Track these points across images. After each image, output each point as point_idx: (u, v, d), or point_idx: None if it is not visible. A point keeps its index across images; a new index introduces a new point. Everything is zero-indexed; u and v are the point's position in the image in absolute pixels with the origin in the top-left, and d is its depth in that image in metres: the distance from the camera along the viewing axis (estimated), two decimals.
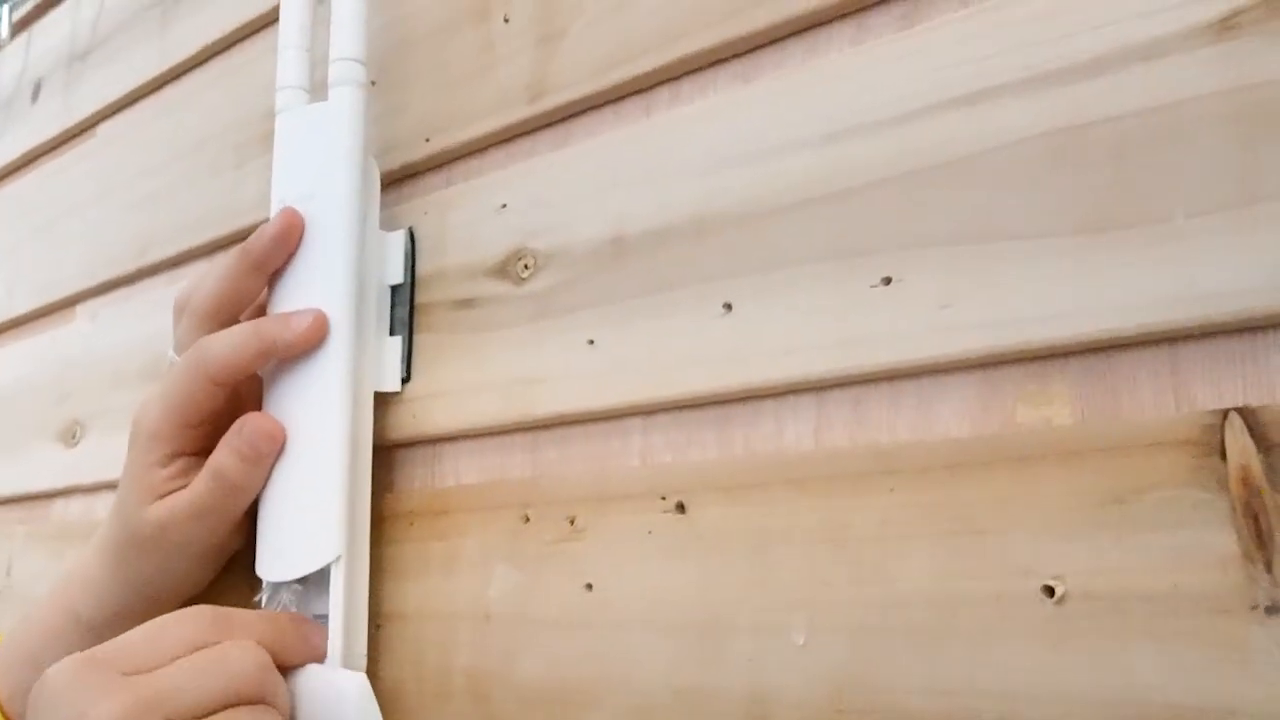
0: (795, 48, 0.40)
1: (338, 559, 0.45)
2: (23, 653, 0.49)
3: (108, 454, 0.66)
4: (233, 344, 0.45)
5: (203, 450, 0.47)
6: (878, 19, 0.37)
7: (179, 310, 0.49)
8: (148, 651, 0.38)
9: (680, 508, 0.39)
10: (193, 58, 0.68)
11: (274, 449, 0.45)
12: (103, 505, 0.67)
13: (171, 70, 0.69)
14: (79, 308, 0.75)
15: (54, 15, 0.84)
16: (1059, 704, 0.30)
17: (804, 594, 0.35)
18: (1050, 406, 0.32)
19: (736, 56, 0.41)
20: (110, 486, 0.66)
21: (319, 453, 0.46)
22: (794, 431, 0.37)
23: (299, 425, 0.46)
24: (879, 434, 0.35)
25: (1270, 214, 0.28)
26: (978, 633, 0.31)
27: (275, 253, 0.47)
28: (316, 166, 0.49)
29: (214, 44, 0.66)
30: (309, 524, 0.46)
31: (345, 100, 0.48)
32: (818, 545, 0.35)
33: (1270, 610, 0.27)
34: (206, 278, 0.48)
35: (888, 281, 0.35)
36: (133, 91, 0.73)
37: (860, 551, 0.34)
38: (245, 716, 0.38)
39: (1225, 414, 0.28)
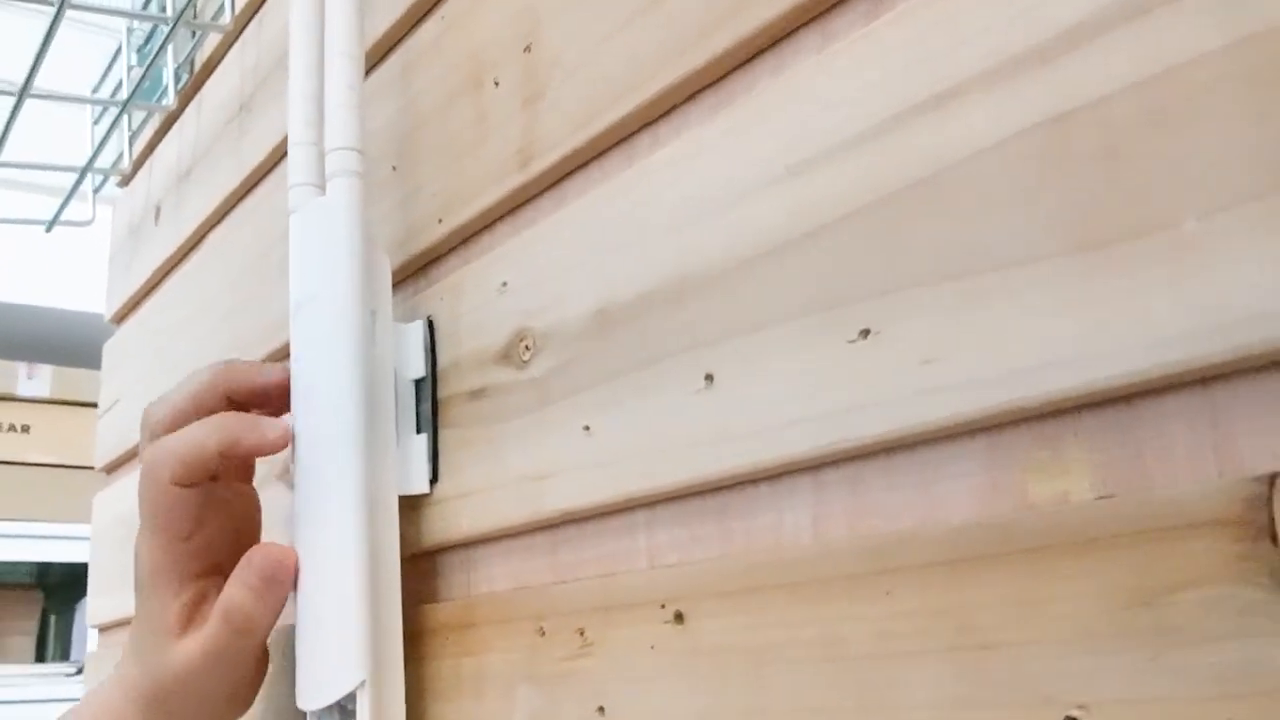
0: (763, 67, 0.34)
1: (362, 684, 0.42)
2: None
3: None
4: (187, 441, 0.42)
5: (206, 569, 0.44)
6: (841, 20, 0.31)
7: (142, 424, 0.46)
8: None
9: (679, 618, 0.33)
10: (262, 165, 0.68)
11: (287, 578, 0.42)
12: None
13: (247, 180, 0.70)
14: None
15: (167, 140, 0.87)
16: None
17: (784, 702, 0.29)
18: (1066, 477, 0.25)
19: (709, 86, 0.36)
20: None
21: (339, 570, 0.43)
22: (792, 521, 0.31)
23: (317, 541, 0.44)
24: (878, 520, 0.29)
25: None
26: None
27: (253, 399, 0.45)
28: (320, 264, 0.46)
29: (277, 148, 0.66)
30: (334, 647, 0.42)
31: (340, 193, 0.46)
32: (816, 664, 0.29)
33: None
34: (173, 392, 0.45)
35: (865, 334, 0.28)
36: (222, 205, 0.73)
37: (859, 672, 0.27)
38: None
39: (1272, 480, 0.21)
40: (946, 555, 0.26)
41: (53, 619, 2.56)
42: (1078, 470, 0.24)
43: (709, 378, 0.33)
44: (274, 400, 0.45)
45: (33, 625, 2.35)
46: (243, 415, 0.43)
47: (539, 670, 0.38)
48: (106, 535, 0.91)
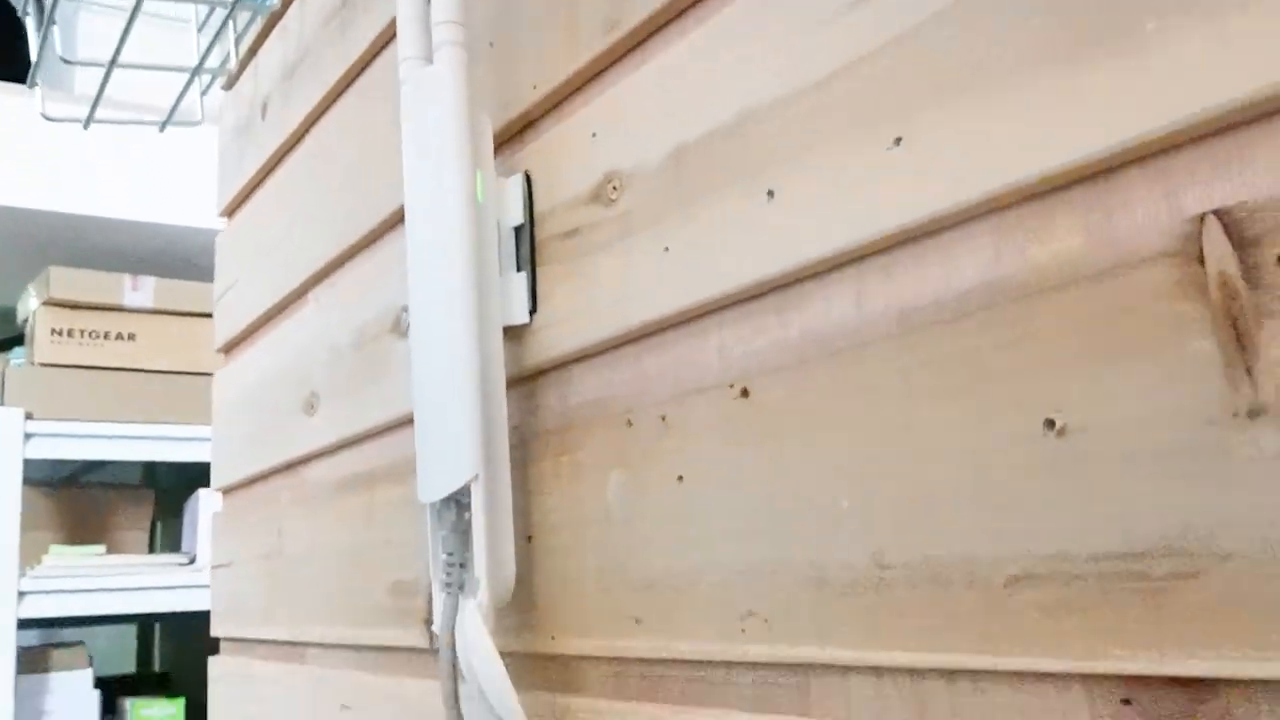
0: None
1: (476, 477, 0.49)
2: None
3: (336, 418, 0.75)
4: None
5: None
6: None
7: None
8: None
9: (745, 393, 0.40)
10: (363, 56, 0.74)
11: None
12: (338, 466, 0.76)
13: (349, 71, 0.76)
14: (309, 294, 0.84)
15: (272, 39, 0.94)
16: (1061, 536, 0.29)
17: (846, 462, 0.35)
18: (1057, 241, 0.31)
19: None
20: (341, 446, 0.75)
21: (454, 384, 0.50)
22: (839, 305, 0.37)
23: (434, 363, 0.51)
24: (909, 294, 0.35)
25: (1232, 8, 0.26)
26: (996, 479, 0.31)
27: None
28: (430, 128, 0.53)
29: (377, 39, 0.73)
30: (451, 448, 0.50)
31: (446, 62, 0.53)
32: (857, 415, 0.35)
33: (1252, 414, 0.25)
34: None
35: (898, 142, 0.35)
36: (326, 96, 0.80)
37: (890, 414, 0.34)
38: None
39: (1202, 219, 0.27)
40: (955, 313, 0.33)
41: (163, 517, 2.73)
42: (1065, 234, 0.31)
43: (770, 194, 0.39)
44: None
45: (145, 522, 2.50)
46: None
47: (627, 455, 0.46)
48: (227, 408, 1.00)
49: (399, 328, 0.66)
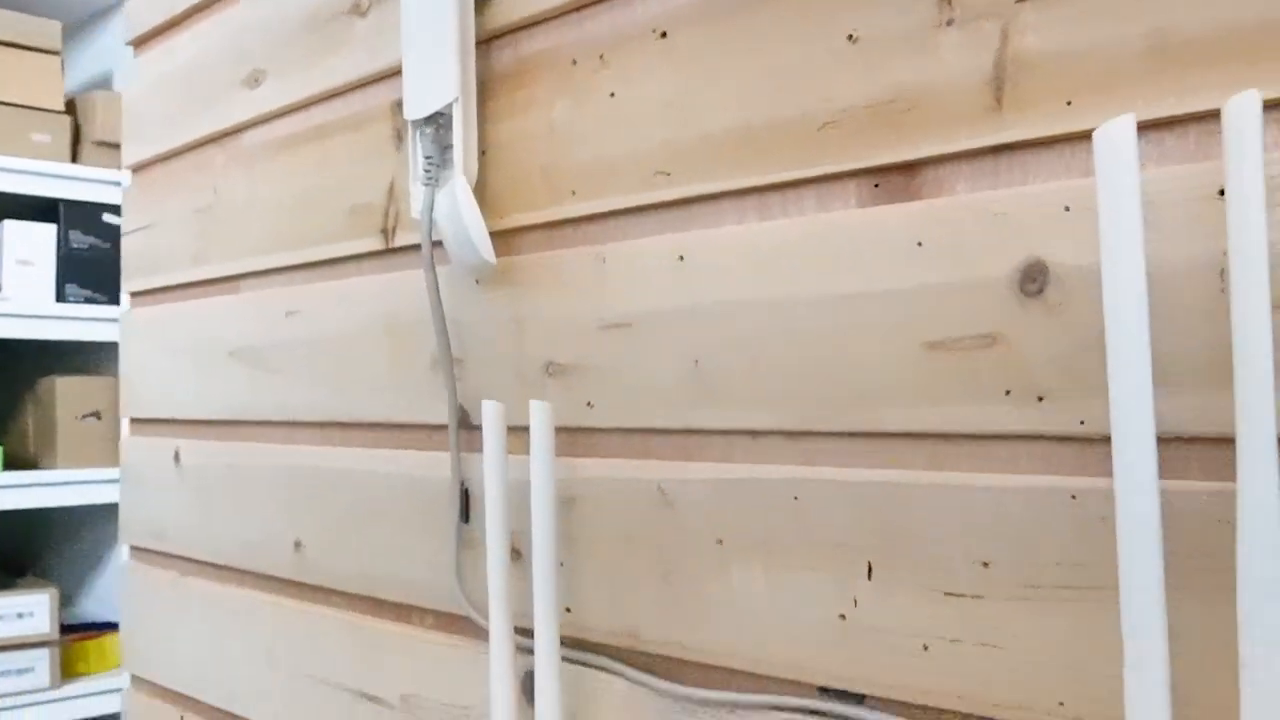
0: None
1: (456, 99, 0.71)
2: None
3: (284, 90, 0.93)
4: None
5: None
6: None
7: None
8: None
9: (664, 35, 0.64)
10: None
11: None
12: (282, 128, 0.94)
13: None
14: None
15: None
16: (853, 99, 0.55)
17: (726, 71, 0.60)
18: None
19: None
20: (291, 110, 0.93)
21: (440, 32, 0.71)
22: None
23: (424, 19, 0.72)
24: None
25: None
26: (818, 72, 0.56)
27: None
28: None
29: None
30: (435, 76, 0.72)
31: None
32: (734, 44, 0.60)
33: (949, 24, 0.51)
34: None
35: None
36: None
37: (753, 43, 0.59)
38: None
39: None
40: None
41: None
42: None
43: None
44: None
45: None
46: None
47: (571, 85, 0.69)
48: (144, 94, 1.15)
49: (359, 9, 0.85)
